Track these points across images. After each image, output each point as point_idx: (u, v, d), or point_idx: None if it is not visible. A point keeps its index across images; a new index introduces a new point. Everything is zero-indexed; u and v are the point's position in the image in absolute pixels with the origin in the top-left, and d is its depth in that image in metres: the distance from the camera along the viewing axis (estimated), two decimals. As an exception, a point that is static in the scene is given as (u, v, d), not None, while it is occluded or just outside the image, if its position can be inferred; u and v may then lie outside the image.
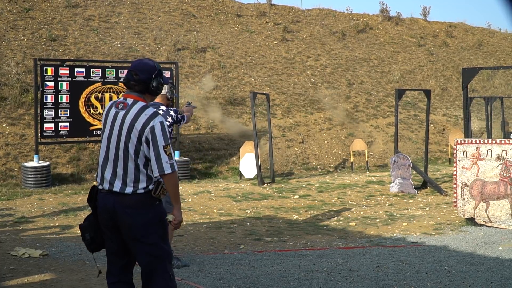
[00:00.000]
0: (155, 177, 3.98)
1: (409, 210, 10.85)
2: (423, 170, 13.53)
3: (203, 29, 22.28)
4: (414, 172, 13.33)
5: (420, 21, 29.39)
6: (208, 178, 14.62)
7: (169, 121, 6.63)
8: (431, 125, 20.02)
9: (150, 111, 4.03)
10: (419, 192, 12.78)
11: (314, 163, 16.78)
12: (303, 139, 17.67)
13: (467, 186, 9.03)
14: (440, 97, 23.48)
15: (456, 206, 9.30)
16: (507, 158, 8.63)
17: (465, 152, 9.10)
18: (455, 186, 9.30)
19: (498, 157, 8.71)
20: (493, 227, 8.74)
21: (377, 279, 6.00)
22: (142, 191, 3.96)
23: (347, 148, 17.48)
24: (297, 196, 12.28)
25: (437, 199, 12.00)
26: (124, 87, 4.76)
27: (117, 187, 3.98)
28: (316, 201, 11.76)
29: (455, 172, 9.29)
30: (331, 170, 16.47)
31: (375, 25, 27.40)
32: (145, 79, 4.08)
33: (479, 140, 9.20)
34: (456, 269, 6.36)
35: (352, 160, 16.69)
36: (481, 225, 8.90)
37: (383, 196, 12.33)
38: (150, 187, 3.98)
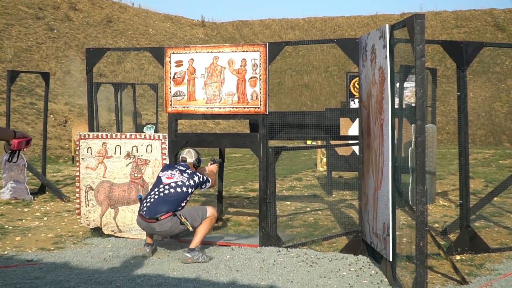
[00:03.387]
0: None
1: (23, 221, 10.64)
2: (40, 171, 13.43)
3: None
4: (30, 173, 13.13)
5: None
6: None
7: (191, 183, 7.98)
8: (51, 115, 19.96)
9: None
10: (35, 198, 12.64)
11: None
12: None
13: (93, 189, 9.15)
14: (61, 82, 23.59)
15: (79, 214, 9.37)
16: (138, 156, 8.97)
17: (89, 149, 9.20)
18: (78, 189, 9.36)
19: (128, 155, 9.01)
20: (123, 237, 9.00)
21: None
22: None
23: None
24: None
25: (57, 206, 12.00)
26: None
27: None
28: None
29: (78, 173, 9.34)
30: None
31: (-20, -12, 26.26)
32: None
33: (106, 135, 9.41)
34: (79, 292, 6.38)
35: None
36: (109, 235, 9.10)
37: (-10, 206, 11.88)
38: None
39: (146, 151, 8.94)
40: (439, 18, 36.89)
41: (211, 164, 8.85)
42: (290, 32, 37.96)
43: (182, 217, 7.72)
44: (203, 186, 8.20)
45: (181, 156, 8.45)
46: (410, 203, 7.74)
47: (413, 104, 6.59)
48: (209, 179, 8.28)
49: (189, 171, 8.13)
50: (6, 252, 8.50)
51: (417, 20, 5.88)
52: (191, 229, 7.77)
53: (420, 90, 5.85)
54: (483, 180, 15.02)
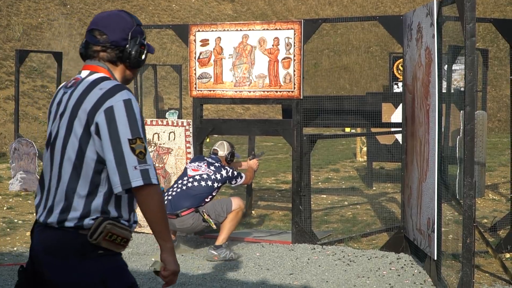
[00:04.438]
0: (117, 193, 3.12)
1: (34, 214, 10.76)
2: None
3: None
4: (41, 163, 13.29)
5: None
6: None
7: (217, 177, 7.93)
8: (65, 99, 20.15)
9: (109, 84, 3.19)
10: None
11: None
12: None
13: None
14: (75, 62, 23.81)
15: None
16: (160, 144, 9.08)
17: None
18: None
19: (149, 142, 9.10)
20: (143, 232, 9.12)
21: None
22: (72, 224, 3.11)
23: None
24: None
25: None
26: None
27: (42, 213, 3.21)
28: None
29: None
30: None
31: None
32: (117, 40, 3.31)
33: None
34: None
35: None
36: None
37: (0, 197, 12.08)
38: (87, 222, 3.13)
39: (169, 139, 9.04)
40: (492, -7, 36.55)
41: (251, 159, 8.85)
42: (328, 8, 37.85)
43: (204, 213, 7.74)
44: (233, 182, 8.18)
45: (212, 148, 8.50)
46: (457, 197, 7.80)
47: (462, 89, 6.66)
48: (242, 174, 8.24)
49: (217, 164, 8.13)
50: (15, 249, 8.63)
51: (467, -5, 5.90)
52: (214, 227, 7.79)
53: (470, 73, 5.90)
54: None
